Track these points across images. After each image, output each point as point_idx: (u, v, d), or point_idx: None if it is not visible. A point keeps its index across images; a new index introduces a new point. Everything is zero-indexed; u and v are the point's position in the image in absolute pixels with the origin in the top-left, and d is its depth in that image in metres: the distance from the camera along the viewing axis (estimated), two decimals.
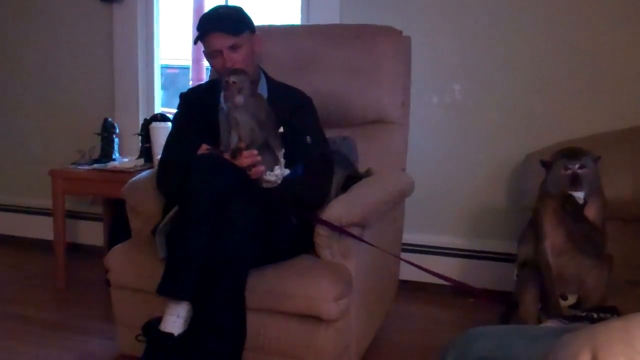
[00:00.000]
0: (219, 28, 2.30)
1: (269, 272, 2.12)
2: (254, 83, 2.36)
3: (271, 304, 2.11)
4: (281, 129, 2.32)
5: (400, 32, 2.81)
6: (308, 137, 2.38)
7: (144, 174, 2.62)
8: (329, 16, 3.13)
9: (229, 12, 2.40)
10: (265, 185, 2.23)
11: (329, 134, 2.54)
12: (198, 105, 2.42)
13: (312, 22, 3.32)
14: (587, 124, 2.97)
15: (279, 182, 2.25)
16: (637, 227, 2.49)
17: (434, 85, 3.23)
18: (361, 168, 2.61)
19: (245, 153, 2.16)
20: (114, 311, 2.40)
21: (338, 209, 2.15)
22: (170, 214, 2.16)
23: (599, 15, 3.00)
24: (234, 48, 2.31)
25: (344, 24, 3.07)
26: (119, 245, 2.43)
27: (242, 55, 2.33)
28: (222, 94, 2.19)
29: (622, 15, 2.97)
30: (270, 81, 2.51)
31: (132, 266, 2.33)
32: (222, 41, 2.30)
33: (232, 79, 2.17)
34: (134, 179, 2.55)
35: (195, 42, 2.38)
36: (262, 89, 2.45)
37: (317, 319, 2.07)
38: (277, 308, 2.11)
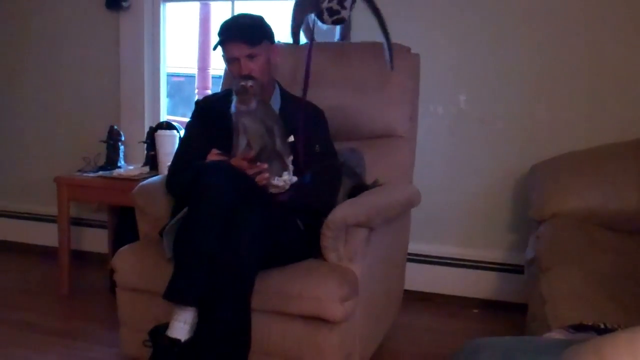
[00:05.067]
0: (237, 37, 2.35)
1: (275, 273, 2.13)
2: (267, 92, 2.43)
3: (276, 306, 2.12)
4: (291, 138, 2.39)
5: (409, 49, 2.83)
6: (317, 146, 2.43)
7: (153, 178, 2.68)
8: (336, 32, 3.13)
9: (250, 21, 2.44)
10: (272, 190, 2.27)
11: (338, 146, 2.58)
12: (212, 114, 2.45)
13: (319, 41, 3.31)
14: (592, 134, 2.96)
15: (287, 187, 2.29)
16: None
17: (439, 97, 3.23)
18: (368, 180, 2.63)
19: (247, 165, 2.20)
20: (118, 313, 2.40)
21: (344, 210, 2.19)
22: (178, 215, 2.18)
23: (604, 26, 3.00)
24: (250, 57, 2.35)
25: (352, 42, 3.09)
26: (126, 247, 2.45)
27: (258, 64, 2.37)
28: (234, 99, 2.25)
29: (627, 26, 2.98)
30: (283, 92, 2.55)
31: (139, 267, 2.34)
32: (239, 50, 2.35)
33: (249, 82, 2.24)
34: (144, 182, 2.60)
35: (214, 48, 2.42)
36: (276, 99, 2.50)
37: (322, 320, 2.08)
38: (283, 309, 2.11)
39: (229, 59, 2.40)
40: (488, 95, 3.18)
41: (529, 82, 3.12)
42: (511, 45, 3.13)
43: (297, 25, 2.90)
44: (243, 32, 2.37)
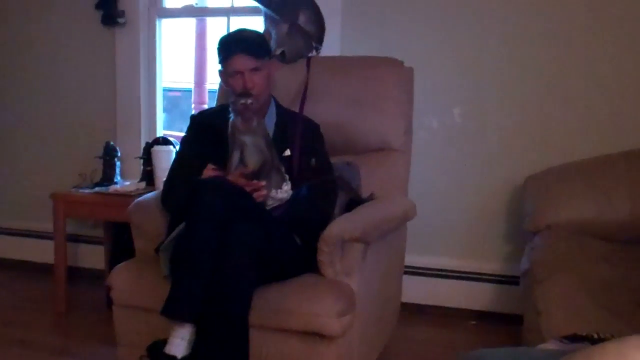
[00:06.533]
0: (243, 50, 2.38)
1: (272, 289, 2.13)
2: (264, 107, 2.45)
3: (274, 321, 2.11)
4: (288, 152, 2.42)
5: (402, 63, 2.86)
6: (313, 160, 2.45)
7: (149, 194, 2.67)
8: (329, 47, 3.17)
9: (253, 35, 2.48)
10: (273, 203, 2.29)
11: (334, 160, 2.60)
12: (208, 128, 2.46)
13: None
14: (586, 146, 2.99)
15: (288, 198, 2.32)
16: (636, 250, 2.49)
17: (434, 110, 3.25)
18: (364, 193, 2.64)
19: (244, 181, 2.22)
20: (115, 330, 2.39)
21: (340, 225, 2.20)
22: (175, 232, 2.18)
23: (597, 40, 3.03)
24: (255, 70, 2.38)
25: (346, 55, 3.11)
26: (122, 264, 2.44)
27: (261, 78, 2.40)
28: (232, 117, 2.28)
29: (619, 39, 3.00)
30: (279, 107, 2.58)
31: (135, 284, 2.33)
32: (245, 63, 2.37)
33: (249, 100, 2.26)
34: (139, 198, 2.60)
35: (220, 62, 2.44)
36: (272, 113, 2.52)
37: (319, 336, 2.08)
38: (280, 325, 2.11)
39: (231, 72, 2.40)
40: (482, 109, 3.20)
41: (523, 95, 3.14)
42: (504, 59, 3.15)
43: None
44: (250, 45, 2.40)
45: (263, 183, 2.25)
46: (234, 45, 2.40)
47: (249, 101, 2.26)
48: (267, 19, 3.05)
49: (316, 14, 3.03)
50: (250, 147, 2.27)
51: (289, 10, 2.99)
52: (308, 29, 2.97)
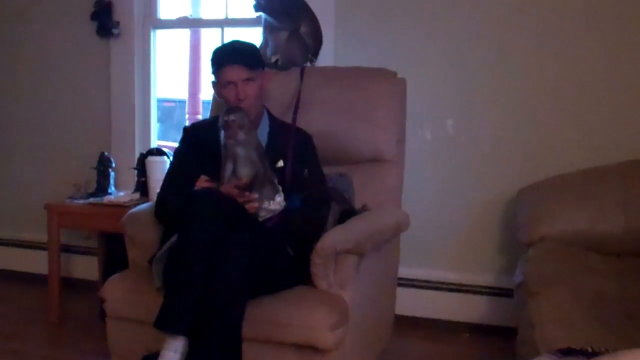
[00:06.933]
0: (236, 60, 2.38)
1: (265, 302, 2.13)
2: (256, 118, 2.45)
3: (267, 334, 2.11)
4: (281, 163, 2.42)
5: (395, 74, 2.87)
6: (306, 170, 2.45)
7: (143, 205, 2.68)
8: (323, 57, 3.18)
9: (246, 46, 2.48)
10: (266, 215, 2.29)
11: (326, 171, 2.59)
12: (200, 140, 2.47)
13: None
14: (579, 158, 2.99)
15: (281, 209, 2.32)
16: (630, 262, 2.49)
17: (427, 121, 3.26)
18: (357, 204, 2.64)
19: (237, 192, 2.22)
20: (108, 342, 2.38)
21: (333, 236, 2.20)
22: (168, 244, 2.18)
23: (590, 52, 3.04)
24: (248, 81, 2.39)
25: (339, 66, 3.12)
26: (115, 275, 2.44)
27: (254, 88, 2.41)
28: (222, 132, 2.28)
29: (613, 52, 3.02)
30: (272, 117, 2.58)
31: (129, 296, 2.33)
32: (238, 73, 2.37)
33: (231, 117, 2.26)
34: (133, 210, 2.61)
35: (213, 72, 2.45)
36: (264, 124, 2.53)
37: (313, 349, 2.07)
38: (273, 338, 2.11)
39: (224, 83, 2.41)
40: (475, 120, 3.21)
41: (516, 107, 3.15)
42: (498, 71, 3.16)
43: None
44: (243, 56, 2.41)
45: (256, 195, 2.26)
46: (227, 56, 2.41)
47: (232, 118, 2.25)
48: (266, 28, 3.07)
49: (316, 28, 3.08)
50: (242, 159, 2.27)
51: (291, 19, 3.02)
52: (307, 41, 3.00)
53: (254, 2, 3.05)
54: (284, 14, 3.01)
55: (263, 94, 2.52)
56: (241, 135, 2.26)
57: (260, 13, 3.07)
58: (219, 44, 2.58)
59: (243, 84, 2.38)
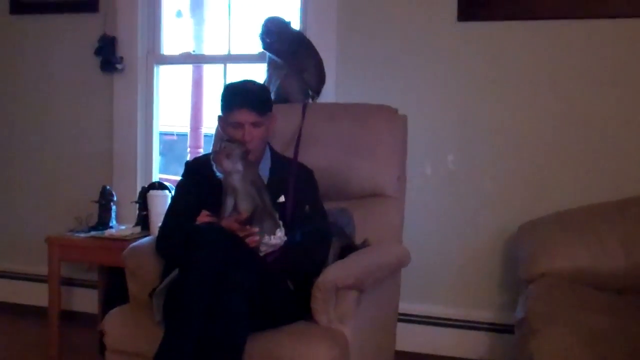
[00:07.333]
0: (247, 105, 2.39)
1: (266, 336, 2.13)
2: (255, 154, 2.45)
3: None
4: (282, 198, 2.43)
5: (396, 111, 2.90)
6: (307, 206, 2.46)
7: (144, 239, 2.68)
8: (324, 93, 3.21)
9: (258, 90, 2.49)
10: (266, 250, 2.29)
11: (327, 206, 2.60)
12: (202, 175, 2.47)
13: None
14: (580, 195, 3.00)
15: (282, 244, 2.32)
16: (630, 298, 2.49)
17: (427, 157, 3.28)
18: (358, 240, 2.64)
19: (238, 227, 2.22)
20: None
21: (333, 272, 2.21)
22: (169, 278, 2.19)
23: (592, 85, 3.07)
24: (255, 124, 2.40)
25: (341, 103, 3.16)
26: (116, 309, 2.44)
27: (261, 132, 2.43)
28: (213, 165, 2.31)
29: (616, 85, 3.05)
30: (273, 153, 2.60)
31: (129, 330, 2.33)
32: (247, 117, 2.39)
33: (223, 144, 2.30)
34: (134, 243, 2.61)
35: (222, 112, 2.46)
36: (266, 159, 2.54)
37: None
38: None
39: (232, 123, 2.42)
40: (476, 156, 3.23)
41: (516, 143, 3.17)
42: (498, 107, 3.19)
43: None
44: (254, 101, 2.41)
45: (256, 229, 2.26)
46: (240, 99, 2.42)
47: (223, 145, 2.30)
48: (270, 65, 3.10)
49: (320, 67, 3.13)
50: (241, 194, 2.28)
51: (297, 59, 3.06)
52: (310, 79, 3.04)
53: (261, 43, 3.08)
54: (292, 54, 3.05)
55: (268, 135, 2.54)
56: (227, 165, 2.27)
57: (268, 53, 3.10)
58: (230, 82, 2.58)
59: (250, 127, 2.39)
